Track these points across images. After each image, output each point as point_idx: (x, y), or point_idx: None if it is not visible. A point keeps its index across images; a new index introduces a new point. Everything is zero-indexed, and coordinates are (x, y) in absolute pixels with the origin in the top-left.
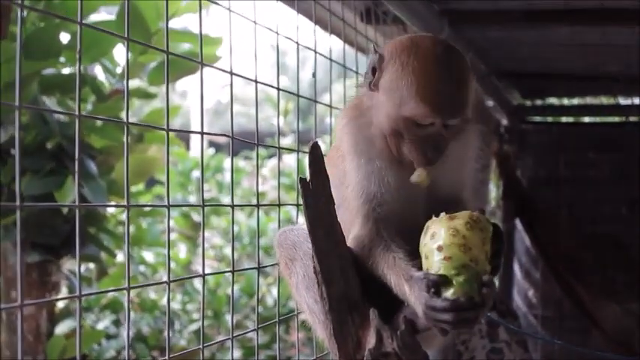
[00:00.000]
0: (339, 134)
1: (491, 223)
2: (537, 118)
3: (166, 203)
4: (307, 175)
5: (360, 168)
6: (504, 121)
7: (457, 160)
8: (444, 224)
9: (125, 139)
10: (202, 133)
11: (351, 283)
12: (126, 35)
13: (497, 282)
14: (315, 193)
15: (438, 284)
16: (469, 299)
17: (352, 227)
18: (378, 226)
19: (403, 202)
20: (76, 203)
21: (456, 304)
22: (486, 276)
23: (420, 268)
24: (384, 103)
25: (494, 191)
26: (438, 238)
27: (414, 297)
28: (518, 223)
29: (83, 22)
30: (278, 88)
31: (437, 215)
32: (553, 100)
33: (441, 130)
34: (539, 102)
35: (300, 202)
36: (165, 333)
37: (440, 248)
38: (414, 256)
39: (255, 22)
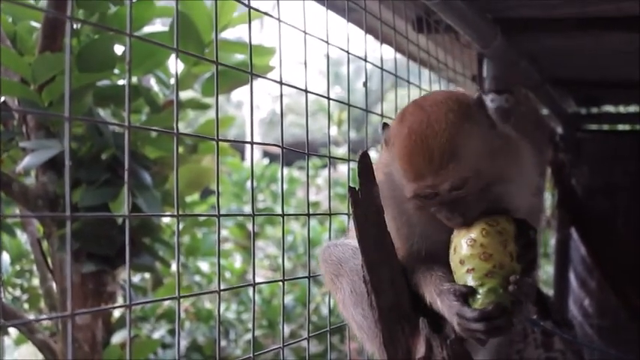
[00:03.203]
0: (381, 177)
1: (512, 220)
2: (593, 127)
3: (218, 213)
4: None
5: (396, 220)
6: (559, 130)
7: (508, 188)
8: (462, 235)
9: (175, 149)
10: (252, 143)
11: (401, 293)
12: (175, 46)
13: (549, 289)
14: (365, 203)
15: (465, 295)
16: (496, 306)
17: (399, 252)
18: (421, 255)
19: (447, 241)
20: (127, 214)
21: (484, 313)
22: (513, 276)
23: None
24: (396, 180)
25: (549, 200)
26: (459, 250)
27: (447, 309)
28: (573, 232)
29: (136, 34)
30: (328, 98)
31: None
32: (609, 108)
33: (451, 195)
34: (594, 110)
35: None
36: (221, 342)
37: (462, 262)
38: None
39: (305, 31)
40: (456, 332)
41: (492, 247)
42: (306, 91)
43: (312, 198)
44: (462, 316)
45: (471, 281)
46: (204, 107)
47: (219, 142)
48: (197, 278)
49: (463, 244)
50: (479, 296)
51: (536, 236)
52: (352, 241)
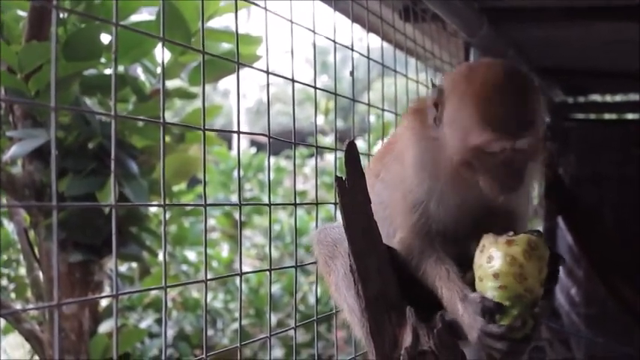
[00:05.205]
0: (404, 144)
1: (547, 246)
2: (580, 116)
3: (205, 203)
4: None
5: (423, 185)
6: (546, 119)
7: None
8: (502, 249)
9: (161, 139)
10: (239, 132)
11: (388, 282)
12: (162, 35)
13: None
14: (352, 192)
15: (493, 311)
16: (521, 327)
17: (399, 231)
18: (430, 238)
19: (457, 217)
20: (114, 203)
21: (510, 329)
22: (541, 301)
23: (472, 284)
24: (450, 137)
25: (536, 189)
26: (494, 262)
27: (468, 319)
28: (560, 221)
29: (122, 23)
30: (315, 87)
31: (487, 227)
32: (596, 97)
33: (513, 155)
34: (581, 99)
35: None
36: (208, 332)
37: (496, 275)
38: (465, 267)
39: (291, 21)
40: (444, 322)
41: (529, 271)
42: (292, 81)
43: (300, 187)
44: (488, 332)
45: (499, 298)
46: (190, 96)
47: (206, 132)
48: (184, 267)
49: (501, 257)
50: (505, 317)
51: (563, 263)
52: None
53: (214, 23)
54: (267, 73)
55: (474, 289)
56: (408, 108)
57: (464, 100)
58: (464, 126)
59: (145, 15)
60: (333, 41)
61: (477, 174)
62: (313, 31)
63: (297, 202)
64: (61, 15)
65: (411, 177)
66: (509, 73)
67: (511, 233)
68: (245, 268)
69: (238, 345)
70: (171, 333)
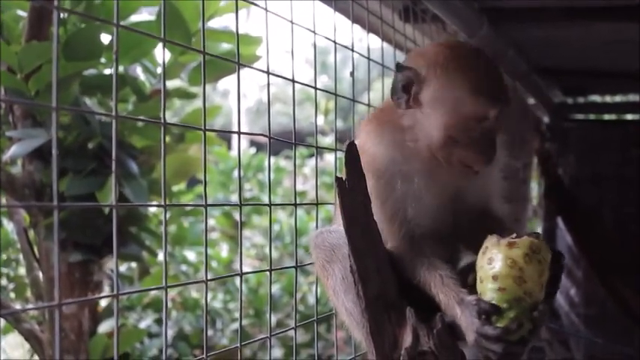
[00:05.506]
0: (370, 153)
1: (550, 249)
2: (579, 116)
3: (205, 203)
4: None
5: (396, 191)
6: (546, 119)
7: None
8: (503, 251)
9: (162, 139)
10: (240, 133)
11: (388, 282)
12: (162, 36)
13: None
14: (352, 192)
15: (489, 313)
16: (517, 328)
17: (389, 241)
18: (418, 245)
19: (436, 217)
20: (114, 204)
21: (506, 331)
22: (541, 305)
23: (472, 286)
24: (433, 115)
25: (535, 189)
26: (494, 264)
27: (465, 321)
28: (560, 221)
29: (122, 23)
30: (315, 87)
31: (468, 227)
32: (595, 98)
33: (494, 122)
34: (581, 99)
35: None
36: (208, 332)
37: (495, 277)
38: (457, 271)
39: (292, 21)
40: (444, 322)
41: (529, 274)
42: (293, 81)
43: (299, 187)
44: (484, 334)
45: (498, 300)
46: (190, 96)
47: (206, 132)
48: (184, 268)
49: (501, 259)
50: (502, 320)
51: (561, 272)
52: None
53: (214, 23)
54: (267, 73)
55: (475, 291)
56: (363, 120)
57: (451, 75)
58: (455, 98)
59: (145, 15)
60: (334, 41)
61: (458, 151)
62: (313, 32)
63: (297, 202)
64: (61, 15)
65: (383, 185)
66: (481, 50)
67: (514, 235)
68: (245, 269)
69: (238, 345)
70: (170, 333)
